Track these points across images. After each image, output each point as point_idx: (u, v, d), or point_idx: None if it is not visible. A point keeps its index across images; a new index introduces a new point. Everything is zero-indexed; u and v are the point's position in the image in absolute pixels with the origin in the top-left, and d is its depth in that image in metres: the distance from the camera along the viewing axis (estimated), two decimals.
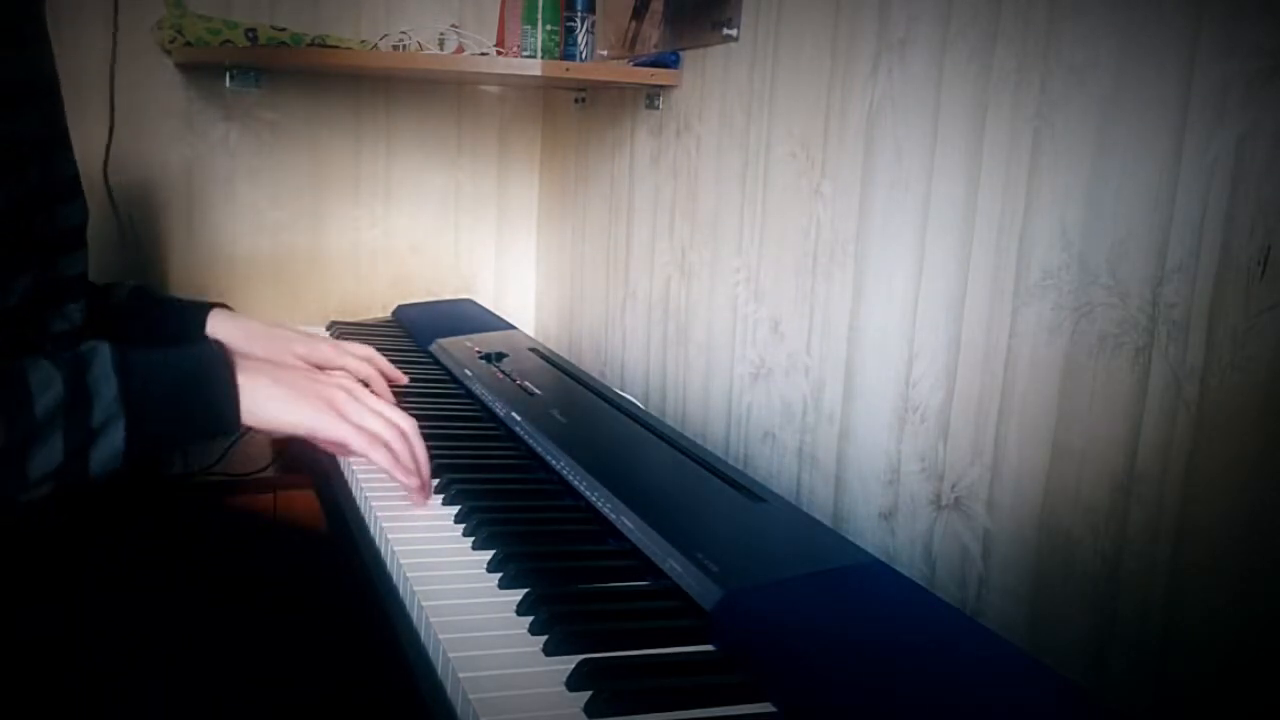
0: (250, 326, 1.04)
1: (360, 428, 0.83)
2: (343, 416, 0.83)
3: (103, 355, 0.73)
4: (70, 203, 0.84)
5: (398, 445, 0.86)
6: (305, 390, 0.82)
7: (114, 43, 1.75)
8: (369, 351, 1.15)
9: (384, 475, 0.95)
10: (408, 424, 0.88)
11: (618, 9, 1.68)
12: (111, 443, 0.71)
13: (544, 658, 0.66)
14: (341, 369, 1.10)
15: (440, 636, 0.67)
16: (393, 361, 1.37)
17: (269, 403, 0.79)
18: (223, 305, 1.06)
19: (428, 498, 0.90)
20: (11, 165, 0.75)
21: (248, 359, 0.80)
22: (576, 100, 1.90)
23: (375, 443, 0.84)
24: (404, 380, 1.18)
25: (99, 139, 1.73)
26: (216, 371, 0.77)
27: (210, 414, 0.76)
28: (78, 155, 0.85)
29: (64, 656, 0.77)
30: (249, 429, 0.79)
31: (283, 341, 1.04)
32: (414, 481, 0.87)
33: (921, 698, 0.61)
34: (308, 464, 1.11)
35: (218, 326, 1.03)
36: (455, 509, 0.89)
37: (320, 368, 1.06)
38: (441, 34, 1.82)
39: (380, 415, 0.86)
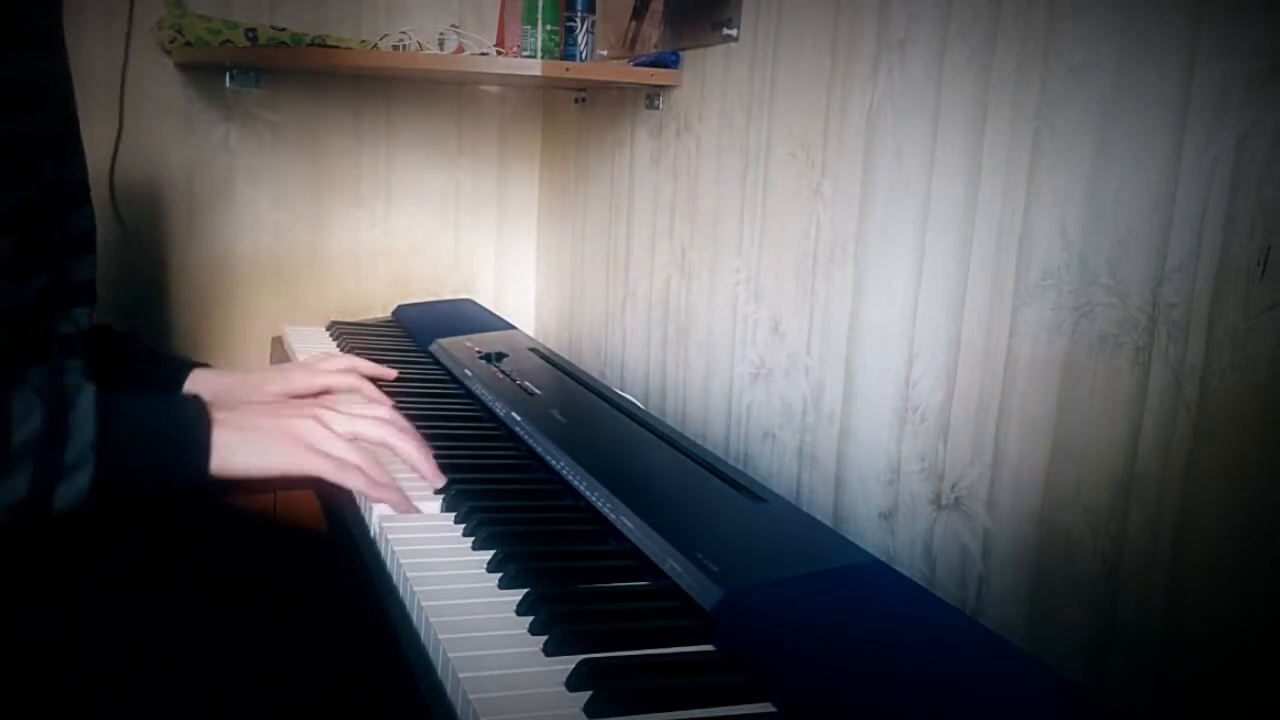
0: (227, 382, 1.04)
1: (331, 456, 0.83)
2: (313, 449, 0.82)
3: (87, 397, 0.73)
4: (80, 207, 0.84)
5: (369, 465, 0.85)
6: (272, 432, 0.82)
7: (126, 46, 1.74)
8: (348, 362, 1.15)
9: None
10: (383, 430, 0.86)
11: (618, 9, 1.68)
12: (77, 484, 0.71)
13: (544, 658, 0.66)
14: (325, 389, 1.10)
15: (440, 636, 0.67)
16: (392, 362, 1.38)
17: (237, 454, 0.79)
18: (204, 365, 1.07)
19: (440, 480, 0.91)
20: (28, 166, 0.76)
21: (221, 411, 0.80)
22: (576, 100, 1.90)
23: (346, 469, 0.83)
24: (392, 375, 1.17)
25: (105, 141, 1.73)
26: (194, 431, 0.78)
27: (179, 472, 0.77)
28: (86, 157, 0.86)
29: (64, 656, 0.77)
30: (220, 480, 0.79)
31: (257, 387, 1.04)
32: (393, 497, 0.86)
33: (921, 698, 0.61)
34: None
35: (196, 384, 1.02)
36: (455, 509, 0.89)
37: (303, 396, 1.06)
38: (441, 34, 1.82)
39: (353, 436, 0.85)
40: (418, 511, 0.88)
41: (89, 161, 0.86)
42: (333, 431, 0.84)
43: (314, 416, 0.84)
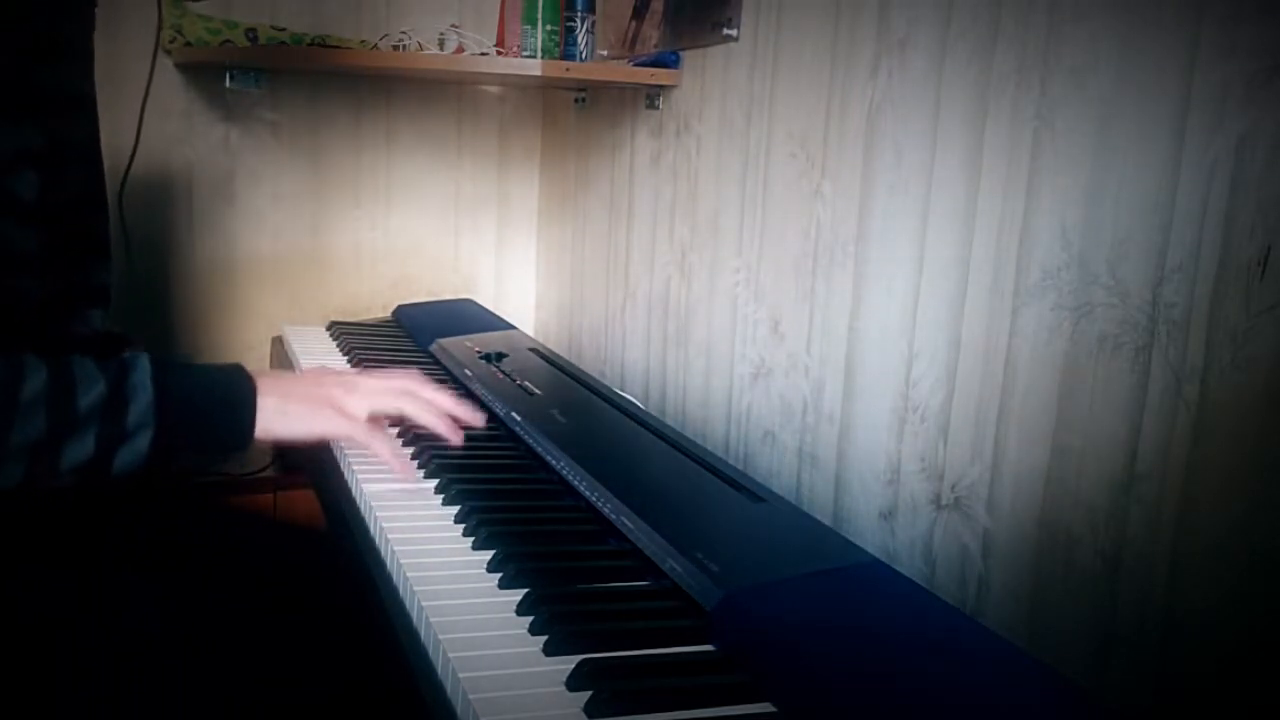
0: None
1: (359, 420, 0.89)
2: (343, 413, 0.88)
3: (143, 365, 0.77)
4: (100, 213, 0.87)
5: (410, 408, 0.93)
6: (306, 398, 0.87)
7: (152, 64, 1.73)
8: None
9: (384, 475, 0.95)
10: (401, 402, 0.93)
11: (618, 9, 1.68)
12: (137, 447, 0.75)
13: (544, 658, 0.66)
14: None
15: (440, 636, 0.67)
16: (392, 362, 1.38)
17: (278, 418, 0.84)
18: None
19: (466, 428, 0.96)
20: (61, 169, 0.79)
21: (265, 378, 0.85)
22: (576, 100, 1.90)
23: (374, 433, 0.90)
24: None
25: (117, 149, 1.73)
26: (242, 395, 0.83)
27: (229, 432, 0.82)
28: None
29: (60, 658, 0.77)
30: (257, 442, 0.84)
31: None
32: (401, 468, 0.93)
33: (921, 698, 0.61)
34: (308, 464, 1.12)
35: None
36: (455, 509, 0.89)
37: None
38: (441, 34, 1.82)
39: (378, 394, 0.91)
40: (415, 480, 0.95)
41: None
42: (359, 394, 0.90)
43: (342, 384, 0.90)
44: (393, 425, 1.10)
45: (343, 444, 0.93)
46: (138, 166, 1.78)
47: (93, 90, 0.87)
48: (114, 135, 1.75)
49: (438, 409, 0.94)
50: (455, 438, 0.95)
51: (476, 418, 0.97)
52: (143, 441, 0.75)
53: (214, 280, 1.90)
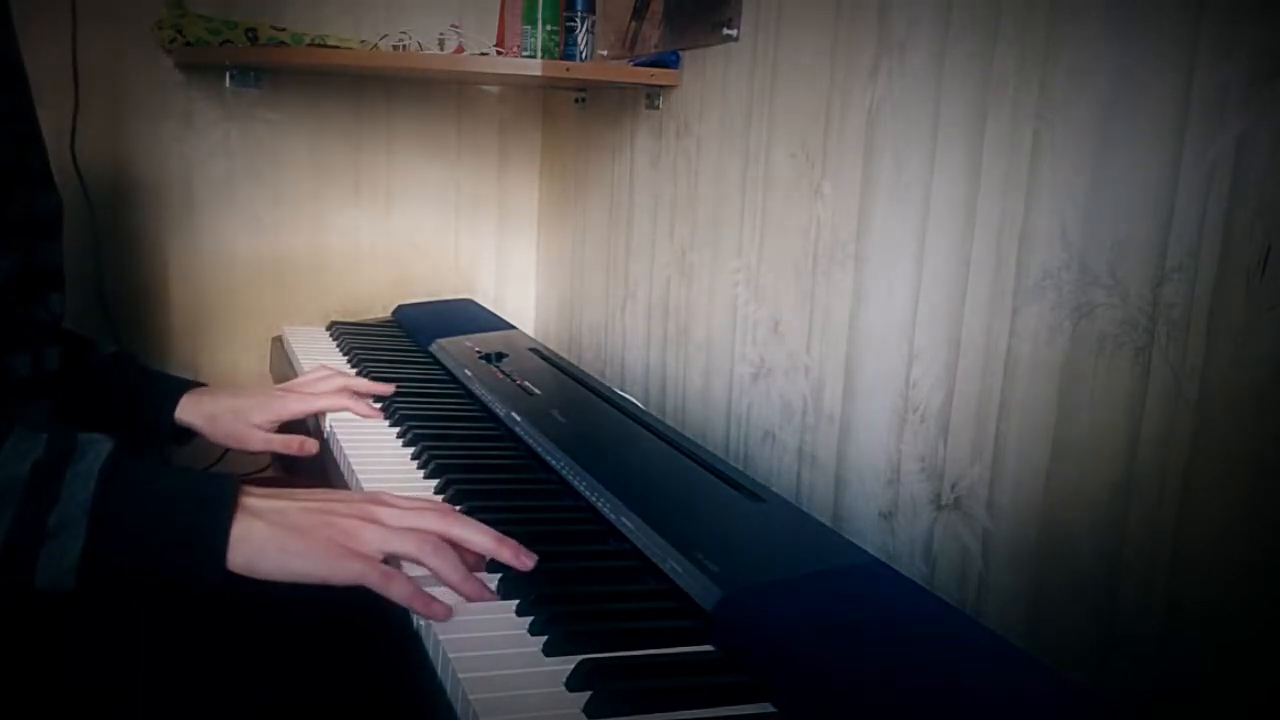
0: (215, 407, 1.03)
1: (374, 560, 0.71)
2: (354, 553, 0.70)
3: (96, 453, 0.65)
4: (43, 190, 0.83)
5: (432, 560, 0.73)
6: (310, 531, 0.70)
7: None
8: (342, 381, 1.15)
9: (382, 475, 0.95)
10: (416, 545, 0.72)
11: (618, 9, 1.68)
12: (65, 553, 0.62)
13: (544, 658, 0.66)
14: (317, 413, 1.10)
15: (440, 637, 0.67)
16: (392, 362, 1.38)
17: (268, 553, 0.68)
18: (199, 384, 1.06)
19: (476, 591, 0.73)
20: None
21: (257, 497, 0.71)
22: (576, 100, 1.90)
23: (390, 577, 0.70)
24: (389, 390, 1.18)
25: (102, 132, 1.73)
26: (211, 519, 0.67)
27: (191, 561, 0.66)
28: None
29: (61, 659, 0.77)
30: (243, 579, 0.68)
31: (245, 416, 1.04)
32: (437, 610, 0.70)
33: (922, 698, 0.61)
34: (308, 464, 1.12)
35: (186, 410, 1.02)
36: (455, 509, 0.89)
37: (292, 422, 1.07)
38: (441, 34, 1.82)
39: (399, 535, 0.73)
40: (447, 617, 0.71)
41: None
42: (382, 525, 0.73)
43: (359, 514, 0.73)
44: (393, 425, 1.10)
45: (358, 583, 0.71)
46: (138, 167, 1.79)
47: (16, 66, 0.80)
48: (116, 138, 1.75)
49: (462, 570, 0.73)
50: (480, 595, 0.73)
51: (522, 561, 0.75)
52: (71, 548, 0.61)
53: (214, 280, 1.90)
